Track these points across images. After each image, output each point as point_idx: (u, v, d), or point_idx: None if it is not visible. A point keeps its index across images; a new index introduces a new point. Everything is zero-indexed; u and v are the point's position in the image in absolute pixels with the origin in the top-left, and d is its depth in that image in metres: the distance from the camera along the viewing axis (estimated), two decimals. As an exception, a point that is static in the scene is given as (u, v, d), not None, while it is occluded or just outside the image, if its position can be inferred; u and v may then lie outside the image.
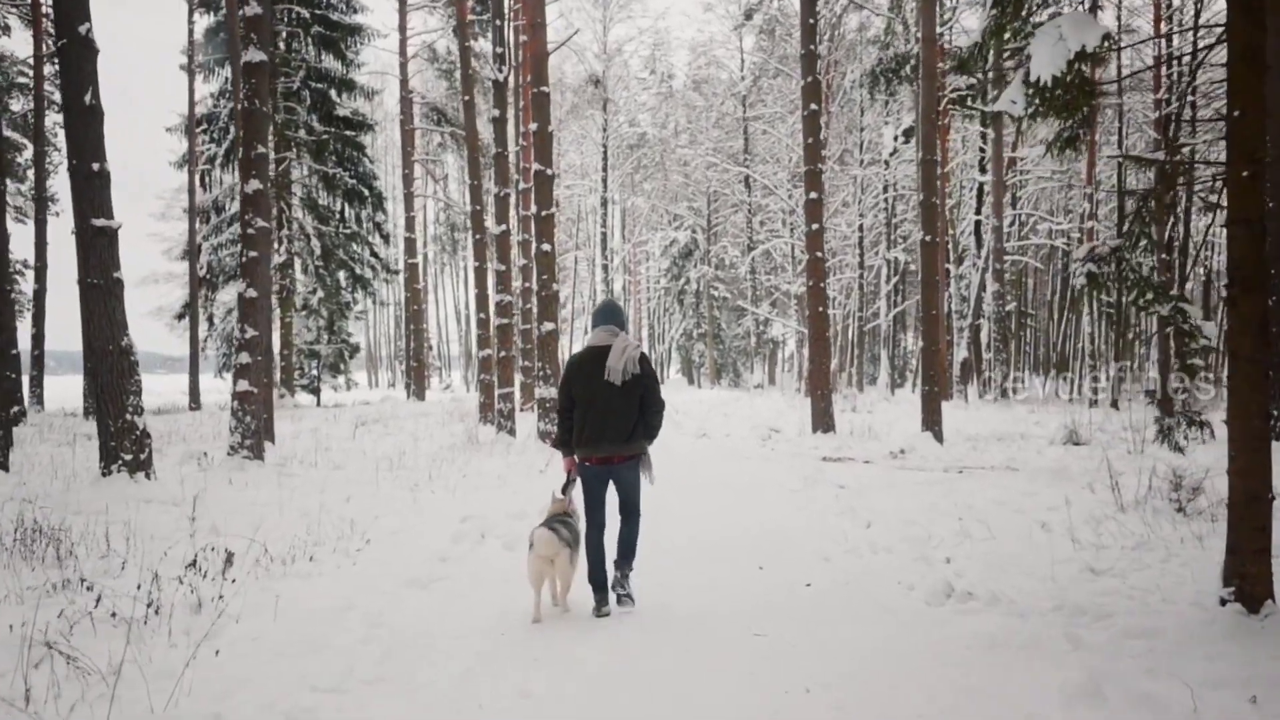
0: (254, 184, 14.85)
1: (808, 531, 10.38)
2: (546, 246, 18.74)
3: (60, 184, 35.92)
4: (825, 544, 9.59)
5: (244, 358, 14.70)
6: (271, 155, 35.72)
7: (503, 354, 20.78)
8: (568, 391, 7.21)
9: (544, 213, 18.69)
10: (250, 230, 14.82)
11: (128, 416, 12.02)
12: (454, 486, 13.50)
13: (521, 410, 27.90)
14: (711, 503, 12.81)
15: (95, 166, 11.87)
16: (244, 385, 14.66)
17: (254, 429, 14.68)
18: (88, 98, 11.86)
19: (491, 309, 21.77)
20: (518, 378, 34.62)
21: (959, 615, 6.68)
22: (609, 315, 7.30)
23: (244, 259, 14.84)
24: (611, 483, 7.26)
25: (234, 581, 6.85)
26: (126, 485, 11.82)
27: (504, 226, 20.88)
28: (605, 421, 7.03)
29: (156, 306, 44.58)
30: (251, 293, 14.72)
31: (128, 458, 12.00)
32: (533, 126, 18.62)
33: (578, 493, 7.40)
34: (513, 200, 35.82)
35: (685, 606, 7.22)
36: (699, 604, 7.29)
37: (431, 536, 9.46)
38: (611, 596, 7.25)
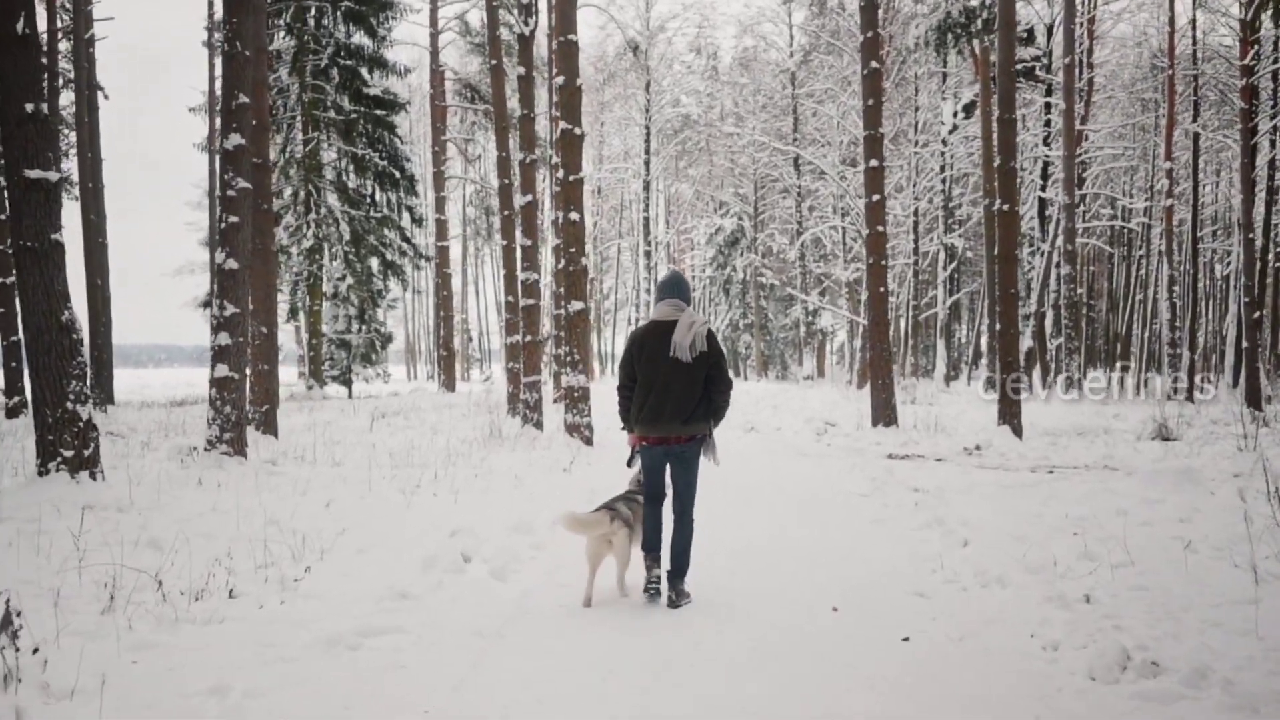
0: (235, 139, 12.89)
1: (889, 552, 8.24)
2: (575, 215, 16.64)
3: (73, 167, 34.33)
4: (915, 571, 7.44)
5: (223, 338, 12.74)
6: (300, 135, 34.23)
7: (528, 338, 18.71)
8: (629, 366, 6.90)
9: (571, 177, 16.57)
10: (230, 192, 12.86)
11: (68, 405, 10.08)
12: (459, 488, 11.48)
13: (555, 401, 25.92)
14: (764, 512, 10.69)
15: (29, 108, 9.94)
16: (223, 370, 12.71)
17: (235, 421, 12.73)
18: (19, 26, 9.92)
19: (518, 289, 19.74)
20: (549, 366, 32.72)
21: (1154, 706, 4.44)
22: (674, 289, 6.91)
23: (223, 224, 12.88)
24: (669, 467, 6.88)
25: (42, 649, 4.69)
26: (65, 486, 9.89)
27: (529, 197, 18.82)
28: (665, 400, 6.68)
29: (192, 296, 43.44)
30: (231, 264, 12.75)
31: (68, 454, 10.07)
32: (559, 80, 16.52)
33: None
34: (546, 180, 33.95)
35: (736, 686, 5.04)
36: (754, 680, 5.13)
37: (403, 558, 7.34)
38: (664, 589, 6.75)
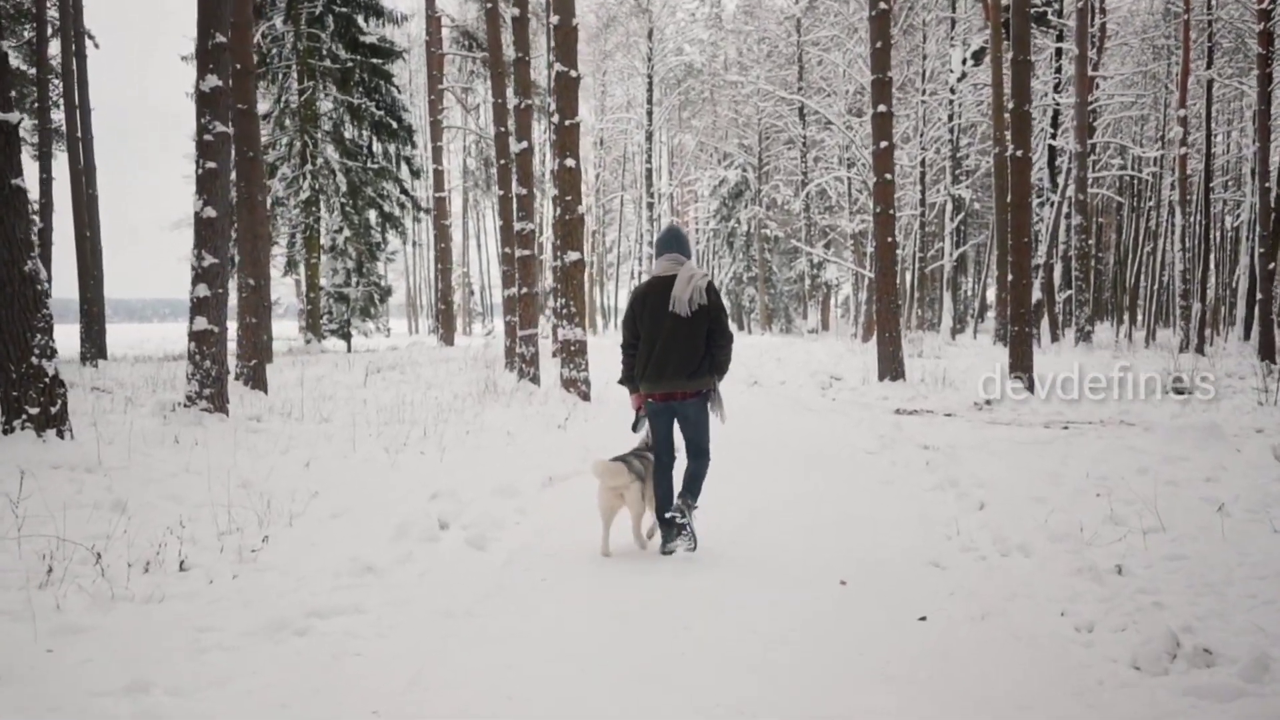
0: (211, 80, 12.24)
1: (900, 515, 7.71)
2: (571, 162, 15.98)
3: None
4: (929, 537, 6.91)
5: (201, 290, 12.17)
6: (295, 85, 33.51)
7: (524, 290, 18.14)
8: (632, 324, 6.86)
9: (567, 122, 15.90)
10: (207, 137, 12.22)
11: (34, 360, 9.52)
12: (448, 446, 10.97)
13: (554, 355, 25.42)
14: (767, 471, 10.18)
15: (-16, 43, 9.33)
16: (202, 324, 12.15)
17: (215, 376, 12.19)
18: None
19: (514, 240, 19.12)
20: (548, 320, 32.16)
21: (1212, 704, 3.86)
22: (672, 243, 6.86)
23: (200, 170, 12.25)
24: (677, 422, 6.85)
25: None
26: (31, 446, 9.36)
27: (525, 143, 18.17)
28: (668, 355, 6.62)
29: (188, 250, 42.72)
30: (209, 212, 12.16)
31: (34, 411, 9.52)
32: (555, 20, 15.83)
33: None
34: (546, 131, 33.14)
35: (733, 682, 4.39)
36: (754, 674, 4.50)
37: (375, 524, 6.79)
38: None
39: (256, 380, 16.08)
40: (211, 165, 12.21)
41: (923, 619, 5.13)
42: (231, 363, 16.91)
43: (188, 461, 9.32)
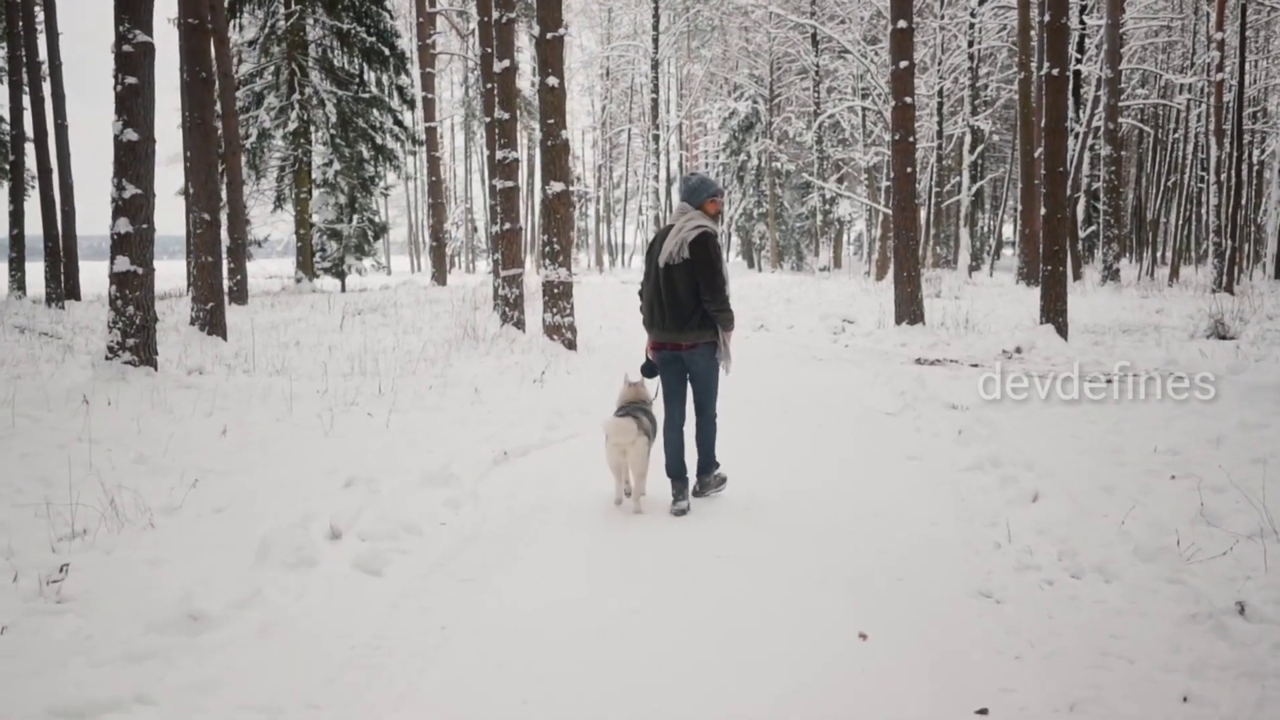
0: (131, -18, 10.60)
1: (932, 509, 6.09)
2: (553, 81, 14.23)
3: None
4: (972, 546, 5.30)
5: (123, 225, 10.55)
6: (281, 9, 31.77)
7: (506, 226, 16.50)
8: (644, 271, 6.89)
9: (549, 35, 14.15)
10: (126, 47, 10.55)
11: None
12: (402, 406, 9.50)
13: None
14: (769, 442, 8.67)
15: None
16: (124, 264, 10.56)
17: (140, 324, 10.63)
18: None
19: (498, 170, 17.45)
20: (531, 259, 30.61)
21: None
22: (683, 191, 6.72)
23: (119, 87, 10.61)
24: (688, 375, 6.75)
25: None
26: (-107, 411, 7.95)
27: (506, 62, 16.41)
28: (657, 306, 6.61)
29: (179, 185, 41.11)
30: (130, 135, 10.53)
31: (-101, 370, 8.08)
32: (534, -80, 14.15)
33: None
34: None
35: None
36: None
37: (257, 528, 5.16)
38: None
39: (214, 325, 14.67)
40: (132, 81, 10.57)
41: (983, 712, 3.50)
42: (189, 306, 15.50)
43: (83, 428, 7.86)
